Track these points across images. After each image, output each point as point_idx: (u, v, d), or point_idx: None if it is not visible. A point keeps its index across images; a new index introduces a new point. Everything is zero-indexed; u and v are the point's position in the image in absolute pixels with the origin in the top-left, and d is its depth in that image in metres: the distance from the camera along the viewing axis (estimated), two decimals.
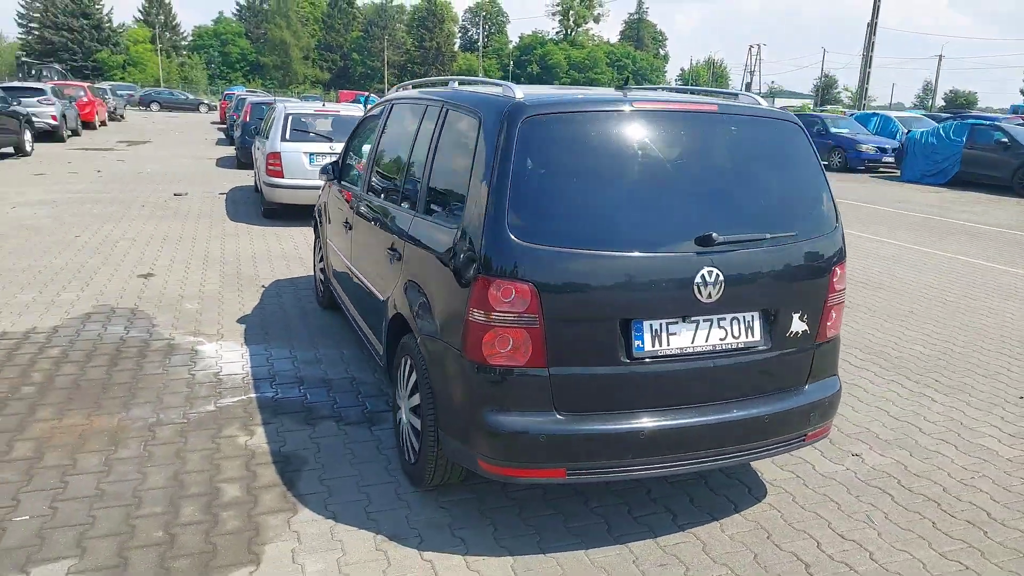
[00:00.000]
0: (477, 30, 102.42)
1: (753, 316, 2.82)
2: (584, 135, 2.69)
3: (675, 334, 2.68)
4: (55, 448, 3.34)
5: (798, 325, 2.91)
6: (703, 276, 2.63)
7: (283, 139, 9.13)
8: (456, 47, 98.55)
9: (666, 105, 2.87)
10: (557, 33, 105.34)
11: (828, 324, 3.01)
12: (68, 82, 28.33)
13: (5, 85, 19.88)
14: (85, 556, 2.58)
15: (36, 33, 71.70)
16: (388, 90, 18.09)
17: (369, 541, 2.76)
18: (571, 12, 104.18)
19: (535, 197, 2.58)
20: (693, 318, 2.70)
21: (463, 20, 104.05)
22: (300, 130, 9.31)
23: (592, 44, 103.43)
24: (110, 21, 75.16)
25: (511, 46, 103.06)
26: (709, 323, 2.73)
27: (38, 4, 72.55)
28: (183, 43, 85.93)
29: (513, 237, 2.51)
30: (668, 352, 2.67)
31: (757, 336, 2.83)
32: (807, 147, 3.05)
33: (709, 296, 2.66)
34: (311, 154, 9.09)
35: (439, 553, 2.72)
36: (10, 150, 15.54)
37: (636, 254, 2.60)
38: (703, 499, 3.18)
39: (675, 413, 2.71)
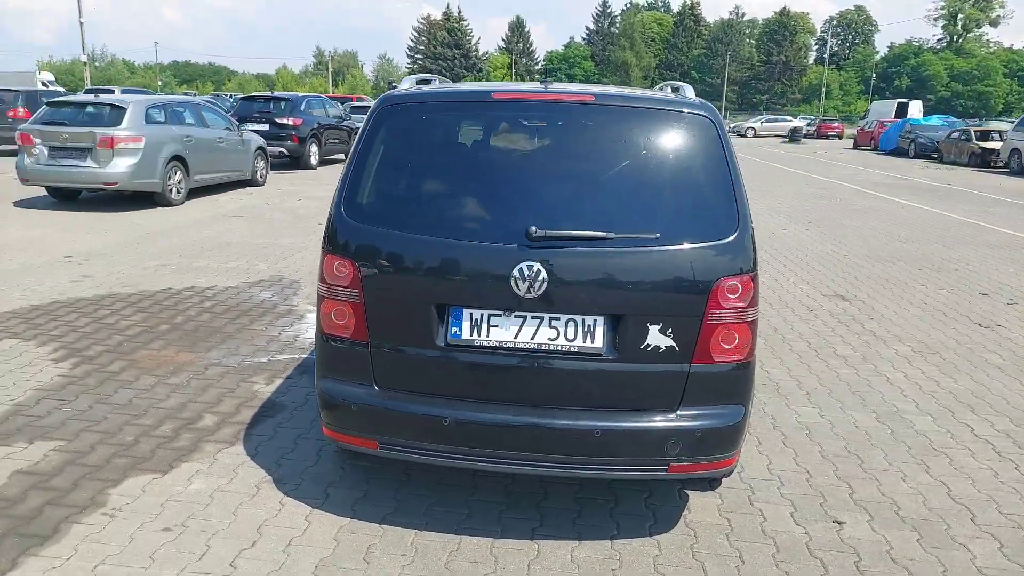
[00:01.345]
0: (836, 42, 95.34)
1: (596, 321, 2.64)
2: (438, 125, 2.82)
3: (496, 326, 2.66)
4: (134, 368, 4.42)
5: (658, 339, 2.63)
6: (521, 270, 2.57)
7: None
8: (811, 60, 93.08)
9: (531, 96, 2.83)
10: (939, 41, 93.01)
11: (713, 345, 2.66)
12: None
13: (353, 105, 24.51)
14: (72, 442, 3.48)
15: (420, 63, 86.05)
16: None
17: (255, 480, 3.22)
18: (959, 16, 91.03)
19: (375, 180, 2.79)
20: (519, 313, 2.65)
21: (821, 32, 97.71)
22: None
23: (985, 52, 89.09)
24: (476, 50, 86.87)
25: (877, 57, 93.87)
26: (538, 320, 2.65)
27: (423, 38, 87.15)
28: (536, 67, 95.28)
29: (345, 215, 2.77)
30: (486, 344, 2.66)
31: (599, 343, 2.64)
32: (710, 145, 2.72)
33: (529, 291, 2.59)
34: None
35: (297, 500, 3.07)
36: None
37: (455, 241, 2.65)
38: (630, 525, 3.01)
39: (489, 407, 2.68)
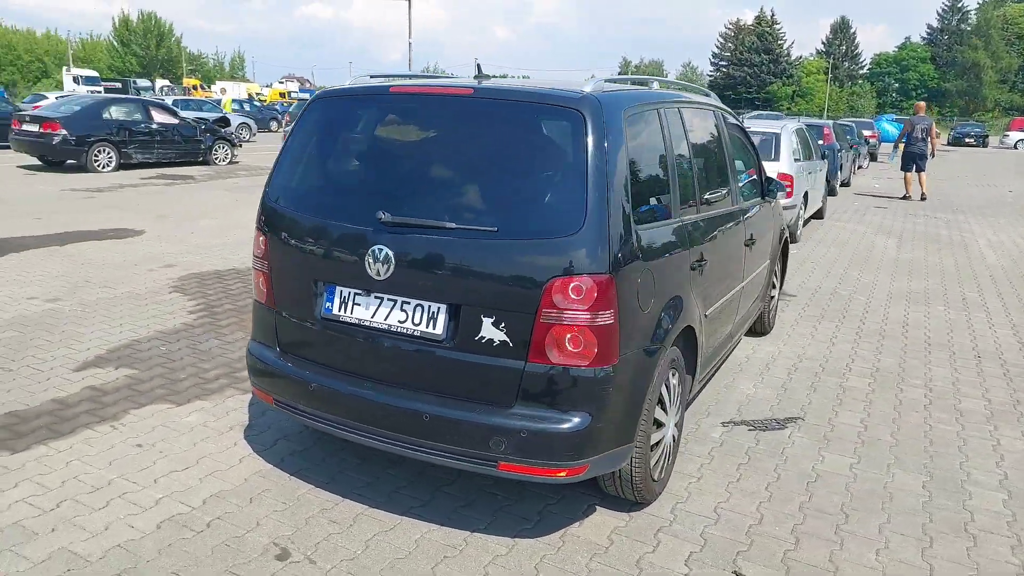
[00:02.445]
0: None
1: (439, 308, 2.70)
2: (345, 116, 3.09)
3: (359, 305, 2.86)
4: (238, 325, 5.33)
5: (493, 332, 2.61)
6: (372, 253, 2.74)
7: None
8: None
9: (421, 89, 2.94)
10: None
11: (550, 345, 2.55)
12: None
13: None
14: (141, 372, 4.40)
15: (723, 70, 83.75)
16: None
17: (233, 422, 3.78)
18: None
19: (290, 166, 3.16)
20: (377, 294, 2.81)
21: None
22: None
23: None
24: (788, 54, 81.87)
25: None
26: (393, 303, 2.78)
27: (730, 44, 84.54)
28: (860, 71, 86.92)
29: (267, 196, 3.18)
30: (349, 320, 2.87)
31: (439, 330, 2.70)
32: (571, 138, 2.60)
33: (379, 274, 2.74)
34: None
35: (246, 444, 3.55)
36: None
37: (328, 222, 2.91)
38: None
39: (347, 379, 2.88)
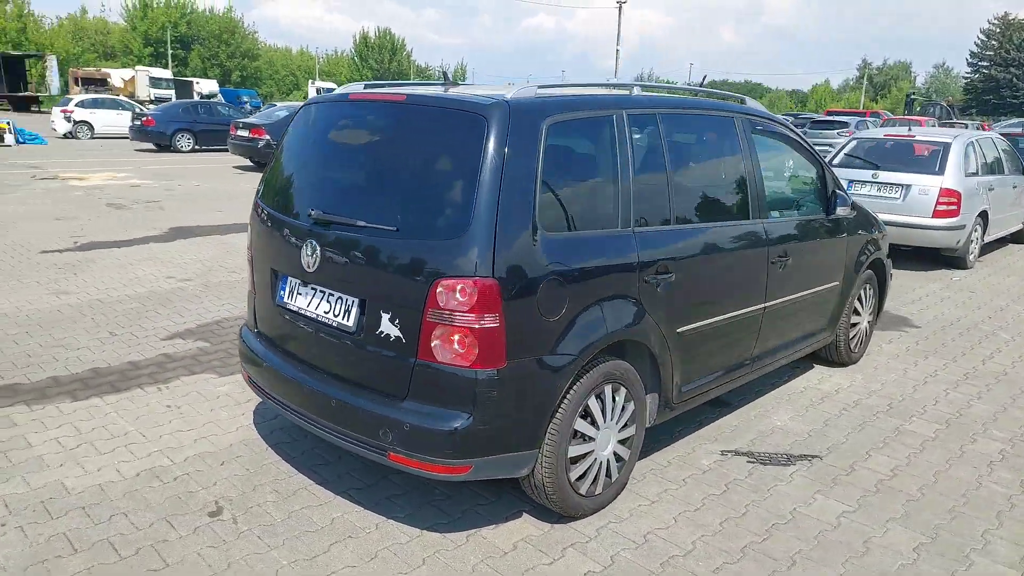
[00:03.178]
0: None
1: (353, 302, 2.89)
2: (315, 120, 3.37)
3: (300, 294, 3.13)
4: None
5: (389, 328, 2.75)
6: (306, 246, 3.01)
7: None
8: None
9: (370, 96, 3.13)
10: None
11: (434, 344, 2.65)
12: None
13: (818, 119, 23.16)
14: (212, 344, 5.05)
15: (984, 71, 74.16)
16: None
17: (239, 393, 4.25)
18: None
19: (273, 166, 3.52)
20: (311, 284, 3.07)
21: None
22: None
23: None
24: None
25: None
26: (323, 294, 3.02)
27: (993, 42, 74.66)
28: None
29: (257, 191, 3.57)
30: (293, 307, 3.16)
31: (351, 323, 2.89)
32: (473, 143, 2.66)
33: (309, 266, 3.00)
34: (851, 181, 8.63)
35: (228, 418, 4.00)
36: None
37: (281, 216, 3.22)
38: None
39: (290, 363, 3.17)
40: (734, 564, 2.86)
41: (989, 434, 4.14)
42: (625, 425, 3.21)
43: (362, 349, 2.86)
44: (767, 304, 3.94)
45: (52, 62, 45.70)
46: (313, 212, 2.99)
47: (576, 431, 2.97)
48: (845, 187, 4.90)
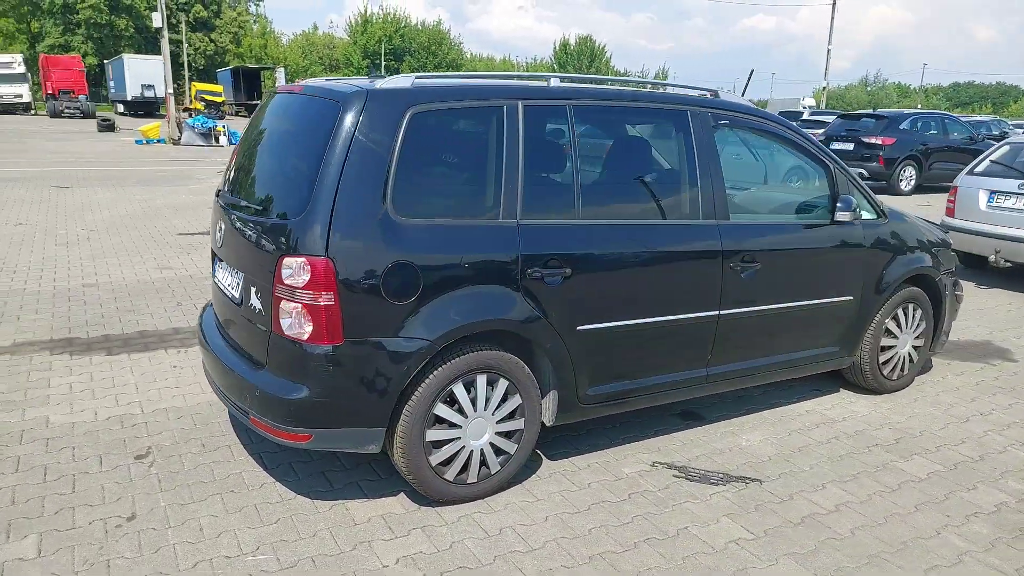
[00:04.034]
0: None
1: (241, 276, 3.16)
2: (260, 111, 3.68)
3: (218, 268, 3.47)
4: None
5: (255, 300, 3.00)
6: (218, 226, 3.34)
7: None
8: None
9: (285, 88, 3.37)
10: None
11: (280, 319, 2.84)
12: None
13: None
14: None
15: None
16: None
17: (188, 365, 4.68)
18: None
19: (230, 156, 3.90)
20: (219, 260, 3.40)
21: None
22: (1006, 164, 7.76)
23: None
24: None
25: None
26: (226, 268, 3.34)
27: None
28: None
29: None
30: (216, 280, 3.51)
31: (238, 294, 3.16)
32: (326, 129, 2.82)
33: (218, 243, 3.32)
34: (993, 192, 7.58)
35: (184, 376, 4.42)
36: None
37: (216, 200, 3.57)
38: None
39: (220, 333, 3.50)
40: (570, 568, 2.76)
41: (1000, 484, 3.54)
42: (509, 418, 3.19)
43: (242, 319, 3.13)
44: (723, 312, 3.67)
45: (280, 74, 51.60)
46: (219, 195, 3.32)
47: (437, 416, 3.01)
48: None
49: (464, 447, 3.11)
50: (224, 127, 24.23)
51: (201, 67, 58.84)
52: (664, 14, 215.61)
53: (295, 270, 2.76)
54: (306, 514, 3.05)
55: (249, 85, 49.45)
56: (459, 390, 3.04)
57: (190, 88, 47.80)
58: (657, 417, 4.14)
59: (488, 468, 3.20)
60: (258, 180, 3.24)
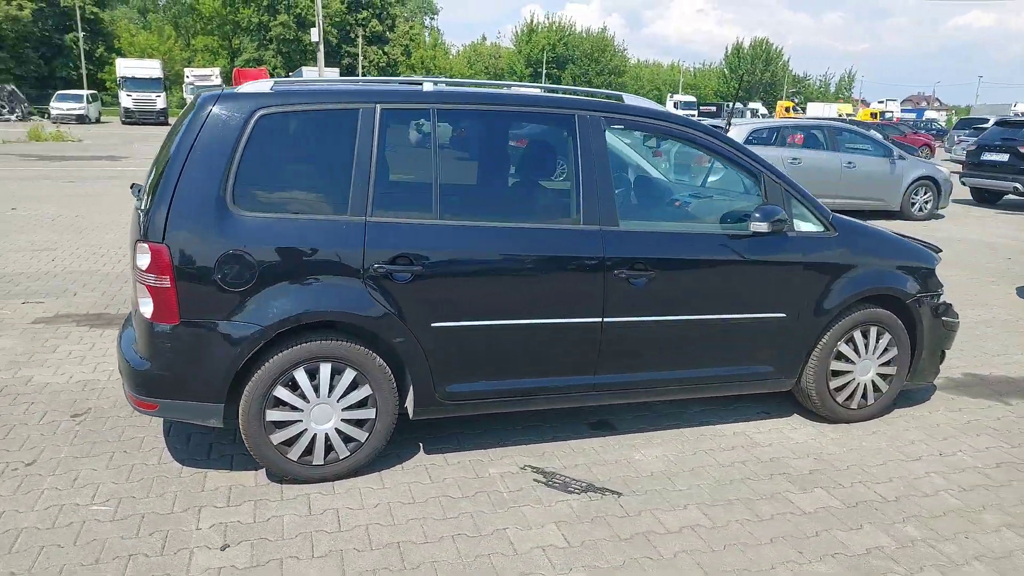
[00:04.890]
0: None
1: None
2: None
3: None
4: None
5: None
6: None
7: None
8: None
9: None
10: None
11: (137, 299, 3.19)
12: None
13: None
14: None
15: None
16: None
17: None
18: None
19: None
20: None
21: None
22: None
23: None
24: None
25: None
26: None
27: None
28: None
29: None
30: None
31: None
32: (182, 130, 3.13)
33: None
34: None
35: None
36: None
37: None
38: None
39: None
40: (360, 552, 2.88)
41: (893, 529, 3.20)
42: (360, 407, 3.35)
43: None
44: (608, 320, 3.60)
45: None
46: (135, 185, 3.75)
47: (278, 398, 3.24)
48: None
49: (307, 430, 3.31)
50: None
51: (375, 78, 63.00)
52: (860, 12, 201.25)
53: (142, 255, 3.10)
54: (169, 478, 3.39)
55: None
56: (300, 376, 3.24)
57: None
58: (568, 424, 4.11)
59: (336, 453, 3.37)
60: (148, 176, 3.64)
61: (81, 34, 47.85)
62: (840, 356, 4.14)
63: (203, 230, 3.09)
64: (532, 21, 78.00)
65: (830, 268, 4.00)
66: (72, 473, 3.39)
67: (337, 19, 60.44)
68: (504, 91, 3.72)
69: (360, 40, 59.61)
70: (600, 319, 3.59)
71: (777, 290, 3.91)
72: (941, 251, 4.57)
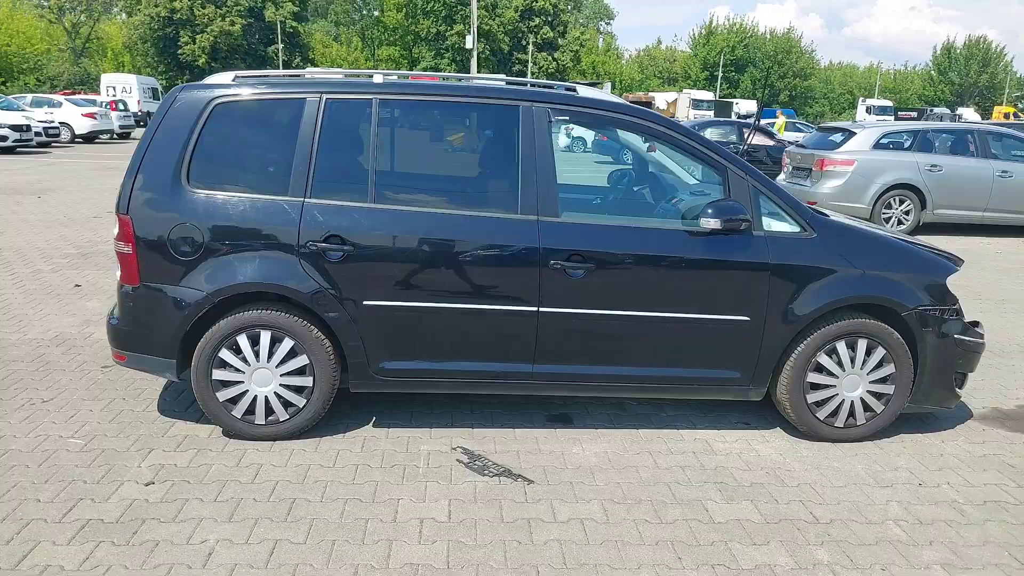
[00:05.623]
0: None
1: None
2: None
3: None
4: None
5: None
6: None
7: None
8: None
9: None
10: None
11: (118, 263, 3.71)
12: None
13: None
14: None
15: None
16: None
17: None
18: None
19: None
20: None
21: None
22: None
23: None
24: None
25: None
26: None
27: None
28: None
29: None
30: None
31: None
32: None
33: None
34: None
35: None
36: None
37: None
38: None
39: None
40: (241, 501, 3.17)
41: (804, 550, 3.00)
42: (298, 375, 3.66)
43: None
44: (544, 310, 3.65)
45: (607, 88, 54.24)
46: None
47: (223, 360, 3.63)
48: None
49: (248, 391, 3.67)
50: None
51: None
52: None
53: (117, 223, 3.61)
54: (143, 424, 3.89)
55: None
56: (243, 341, 3.61)
57: None
58: (527, 413, 4.18)
59: (276, 415, 3.71)
60: None
61: (280, 46, 53.17)
62: (820, 368, 3.87)
63: (160, 204, 3.54)
64: (711, 23, 75.85)
65: (803, 272, 3.76)
66: (72, 412, 3.99)
67: (510, 27, 62.41)
68: (453, 83, 3.89)
69: (530, 47, 61.11)
70: (536, 308, 3.65)
71: (738, 292, 3.74)
72: (962, 262, 4.11)
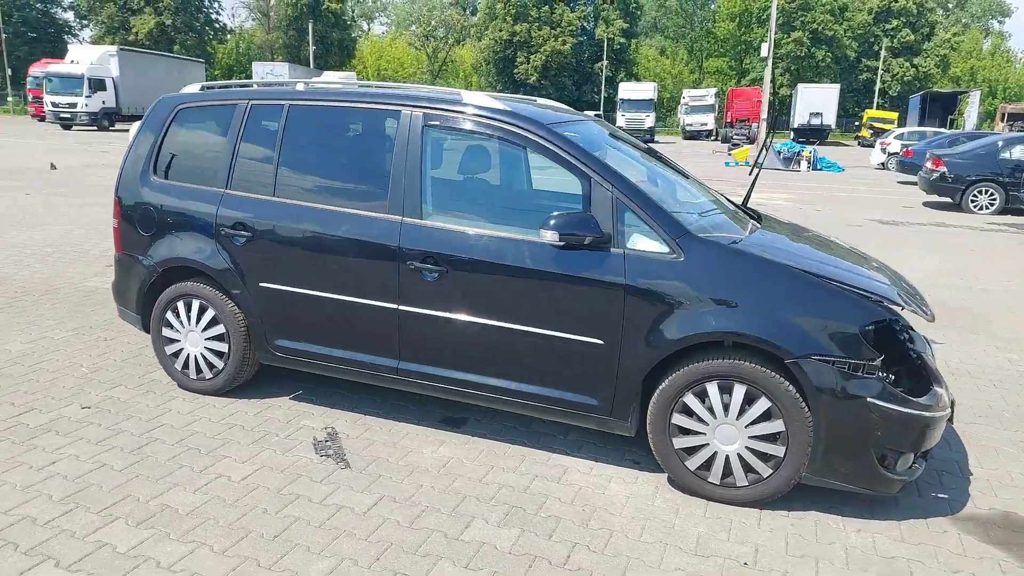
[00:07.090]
0: None
1: None
2: None
3: None
4: None
5: None
6: None
7: None
8: None
9: None
10: None
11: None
12: None
13: None
14: None
15: None
16: None
17: None
18: None
19: None
20: None
21: None
22: None
23: None
24: None
25: None
26: None
27: None
28: None
29: None
30: None
31: None
32: None
33: None
34: None
35: None
36: None
37: None
38: None
39: None
40: (134, 432, 3.94)
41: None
42: (219, 340, 4.37)
43: None
44: (403, 308, 3.85)
45: (975, 97, 46.81)
46: None
47: (168, 321, 4.48)
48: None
49: (183, 350, 4.47)
50: (811, 152, 24.69)
51: (895, 93, 57.97)
52: None
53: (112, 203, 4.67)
54: (144, 368, 4.92)
55: (942, 110, 46.21)
56: (180, 306, 4.43)
57: (863, 115, 48.14)
58: (429, 410, 4.39)
59: (204, 374, 4.46)
60: None
61: (605, 62, 55.71)
62: (689, 411, 3.47)
63: (134, 189, 4.51)
64: None
65: (662, 297, 3.42)
66: (97, 347, 5.20)
67: (860, 31, 57.36)
68: (354, 90, 4.24)
69: (883, 52, 55.46)
70: (396, 306, 3.88)
71: (590, 312, 3.54)
72: (930, 317, 3.31)
